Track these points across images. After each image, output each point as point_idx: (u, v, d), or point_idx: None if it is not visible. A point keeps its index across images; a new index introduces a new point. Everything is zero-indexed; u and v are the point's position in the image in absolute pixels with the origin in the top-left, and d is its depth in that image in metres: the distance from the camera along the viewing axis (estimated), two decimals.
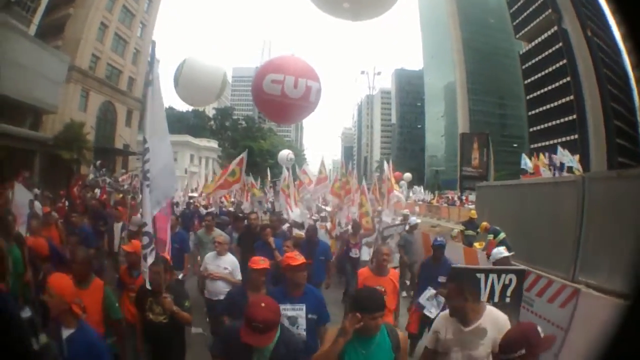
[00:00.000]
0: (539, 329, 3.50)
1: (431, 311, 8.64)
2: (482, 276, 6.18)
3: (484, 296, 6.07)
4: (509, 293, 6.26)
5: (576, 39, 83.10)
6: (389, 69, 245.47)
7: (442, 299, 8.52)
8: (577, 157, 39.06)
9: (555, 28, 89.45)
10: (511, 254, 8.19)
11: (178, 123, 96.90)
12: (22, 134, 35.60)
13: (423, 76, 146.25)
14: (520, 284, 6.33)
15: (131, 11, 57.06)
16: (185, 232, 12.41)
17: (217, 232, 10.97)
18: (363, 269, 7.99)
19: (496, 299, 6.11)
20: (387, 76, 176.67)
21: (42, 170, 36.19)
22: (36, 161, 35.36)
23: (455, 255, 13.50)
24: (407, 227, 14.98)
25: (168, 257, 7.64)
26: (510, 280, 6.28)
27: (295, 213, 16.34)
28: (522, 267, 7.15)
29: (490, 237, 15.80)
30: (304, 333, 5.47)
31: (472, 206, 32.98)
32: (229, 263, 8.77)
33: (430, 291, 8.81)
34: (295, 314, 5.52)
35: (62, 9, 47.84)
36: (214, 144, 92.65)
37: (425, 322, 8.43)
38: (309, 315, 5.58)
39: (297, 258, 5.66)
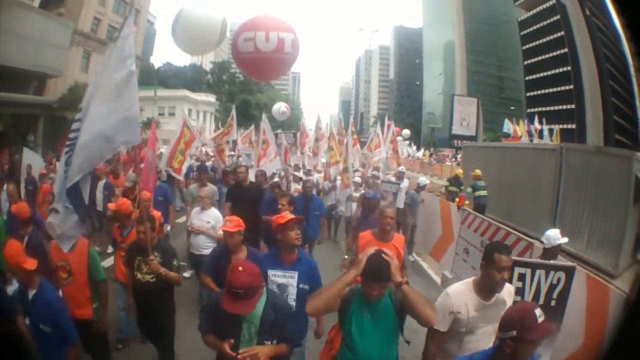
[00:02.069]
0: (538, 312, 3.12)
1: None
2: (527, 272, 5.75)
3: (529, 296, 5.73)
4: (555, 295, 5.74)
5: (574, 14, 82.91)
6: (388, 25, 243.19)
7: None
8: (557, 127, 40.29)
9: (554, 0, 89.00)
10: (564, 240, 6.99)
11: (175, 78, 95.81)
12: (28, 100, 35.72)
13: (422, 34, 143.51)
14: (569, 283, 5.72)
15: None
16: (166, 185, 12.34)
17: (210, 188, 10.96)
18: (365, 232, 7.16)
19: (541, 301, 5.69)
20: (387, 33, 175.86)
21: (46, 133, 36.20)
22: (40, 125, 35.44)
23: (433, 207, 14.13)
24: (403, 186, 14.67)
25: (156, 215, 7.78)
26: (559, 279, 5.74)
27: (269, 165, 15.78)
28: (571, 263, 6.32)
29: (469, 190, 16.13)
30: (294, 303, 5.16)
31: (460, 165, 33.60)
32: (212, 217, 8.73)
33: None
34: (286, 281, 5.26)
35: None
36: (211, 98, 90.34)
37: None
38: (301, 285, 5.29)
39: (285, 216, 5.39)
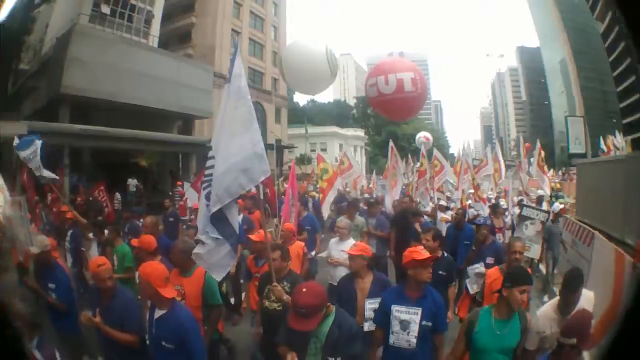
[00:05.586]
0: (593, 323, 3.03)
1: (472, 287, 8.04)
2: None
3: None
4: None
5: None
6: (512, 47, 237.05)
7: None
8: (628, 138, 40.85)
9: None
10: None
11: (321, 114, 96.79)
12: (181, 139, 37.31)
13: (541, 53, 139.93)
14: None
15: (260, 16, 58.42)
16: (312, 215, 12.54)
17: (358, 219, 10.68)
18: (492, 269, 6.77)
19: None
20: (512, 54, 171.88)
21: (199, 170, 36.77)
22: (192, 162, 36.55)
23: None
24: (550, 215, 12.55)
25: (299, 245, 8.33)
26: None
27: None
28: None
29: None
30: (414, 340, 4.91)
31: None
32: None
33: (481, 268, 7.93)
34: (409, 318, 4.93)
35: (181, 18, 50.20)
36: (360, 132, 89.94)
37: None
38: (423, 322, 4.91)
39: (422, 252, 5.06)
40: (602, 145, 43.02)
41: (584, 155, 55.19)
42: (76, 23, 31.52)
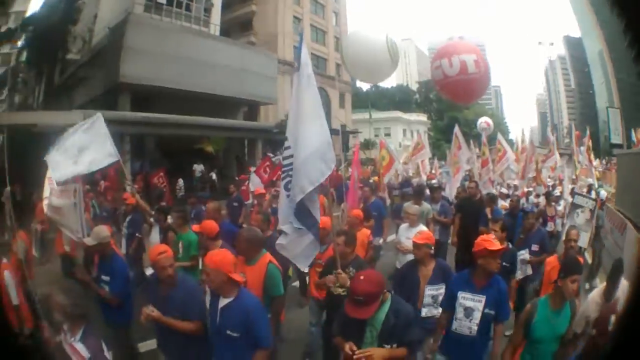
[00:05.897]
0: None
1: (517, 273, 7.90)
2: None
3: None
4: None
5: None
6: (559, 35, 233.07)
7: (530, 270, 8.26)
8: None
9: None
10: None
11: (384, 99, 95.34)
12: (246, 125, 37.68)
13: (583, 43, 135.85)
14: None
15: (320, 2, 57.63)
16: (379, 201, 12.31)
17: (425, 206, 10.46)
18: (551, 257, 6.97)
19: None
20: (560, 42, 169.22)
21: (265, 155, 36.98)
22: (258, 148, 36.73)
23: None
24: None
25: (365, 233, 8.15)
26: None
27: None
28: None
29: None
30: (475, 327, 4.94)
31: None
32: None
33: (526, 255, 8.27)
34: (473, 305, 4.97)
35: (241, 7, 49.77)
36: (423, 117, 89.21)
37: (522, 298, 7.82)
38: (486, 310, 4.93)
39: (494, 242, 5.01)
40: (633, 137, 43.80)
41: (622, 146, 54.35)
42: (130, 12, 31.59)
